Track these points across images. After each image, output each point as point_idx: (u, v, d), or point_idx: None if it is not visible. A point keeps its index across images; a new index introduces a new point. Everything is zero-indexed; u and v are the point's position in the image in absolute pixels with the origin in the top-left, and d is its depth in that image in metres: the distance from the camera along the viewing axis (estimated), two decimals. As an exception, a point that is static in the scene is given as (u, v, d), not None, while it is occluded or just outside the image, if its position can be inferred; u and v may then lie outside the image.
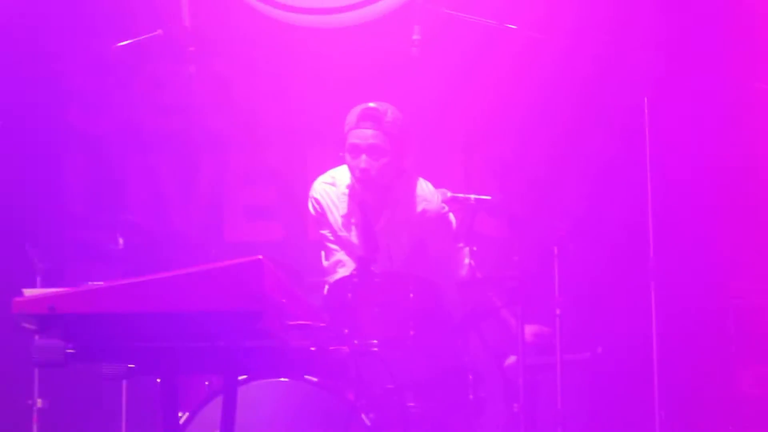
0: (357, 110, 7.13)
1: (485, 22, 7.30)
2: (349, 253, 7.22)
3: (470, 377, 6.55)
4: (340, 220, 7.31)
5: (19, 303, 4.06)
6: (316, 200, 7.36)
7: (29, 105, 8.36)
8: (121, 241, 7.22)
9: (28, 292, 4.14)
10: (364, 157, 7.04)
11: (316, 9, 8.60)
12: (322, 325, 4.56)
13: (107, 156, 8.68)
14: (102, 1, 8.53)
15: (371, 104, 7.15)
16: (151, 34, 7.49)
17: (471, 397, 6.55)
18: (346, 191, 7.27)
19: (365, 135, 7.06)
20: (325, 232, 7.36)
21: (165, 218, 8.57)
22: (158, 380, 6.48)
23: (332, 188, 7.34)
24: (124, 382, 7.21)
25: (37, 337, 6.12)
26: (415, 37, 7.10)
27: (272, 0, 8.59)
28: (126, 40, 7.53)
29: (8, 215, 8.08)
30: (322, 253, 7.42)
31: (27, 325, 4.21)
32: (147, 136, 8.65)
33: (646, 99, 6.80)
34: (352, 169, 7.13)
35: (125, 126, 8.64)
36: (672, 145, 7.81)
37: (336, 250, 7.33)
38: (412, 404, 6.36)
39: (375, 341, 6.26)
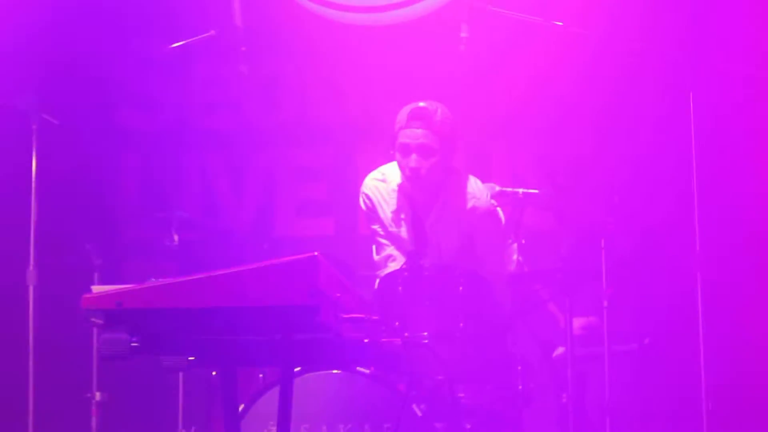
0: (407, 110, 7.15)
1: (530, 18, 7.29)
2: (399, 248, 7.25)
3: (519, 368, 6.61)
4: (390, 216, 7.33)
5: (88, 299, 4.16)
6: (367, 196, 7.40)
7: (85, 106, 8.43)
8: (176, 237, 7.44)
9: (96, 288, 4.22)
10: (414, 156, 7.06)
11: (365, 7, 8.69)
12: (374, 318, 4.70)
13: (161, 155, 8.87)
14: (155, 3, 8.70)
15: (421, 104, 7.16)
16: (203, 35, 7.62)
17: (520, 387, 6.60)
18: (396, 188, 7.31)
19: (415, 134, 7.07)
20: (376, 227, 7.39)
21: (218, 214, 8.74)
22: (213, 373, 6.86)
23: (383, 184, 7.38)
24: (181, 375, 7.38)
25: (96, 330, 6.29)
26: (462, 34, 7.11)
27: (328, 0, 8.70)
28: (179, 41, 7.65)
29: (66, 214, 8.12)
30: (373, 248, 7.45)
31: (94, 320, 4.27)
32: (200, 134, 8.85)
33: (691, 94, 6.88)
34: (402, 168, 7.16)
35: (178, 125, 8.80)
36: (717, 135, 7.82)
37: (386, 245, 7.35)
38: (462, 395, 6.41)
39: (425, 333, 6.33)
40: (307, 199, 8.79)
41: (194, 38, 7.67)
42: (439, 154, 7.11)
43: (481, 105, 8.29)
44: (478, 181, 7.43)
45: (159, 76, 8.58)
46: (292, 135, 8.79)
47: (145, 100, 8.82)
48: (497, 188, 7.09)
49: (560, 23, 7.28)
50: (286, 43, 8.68)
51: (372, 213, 7.42)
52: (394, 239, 7.35)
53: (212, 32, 7.64)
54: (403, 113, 7.16)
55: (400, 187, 7.30)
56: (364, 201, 7.45)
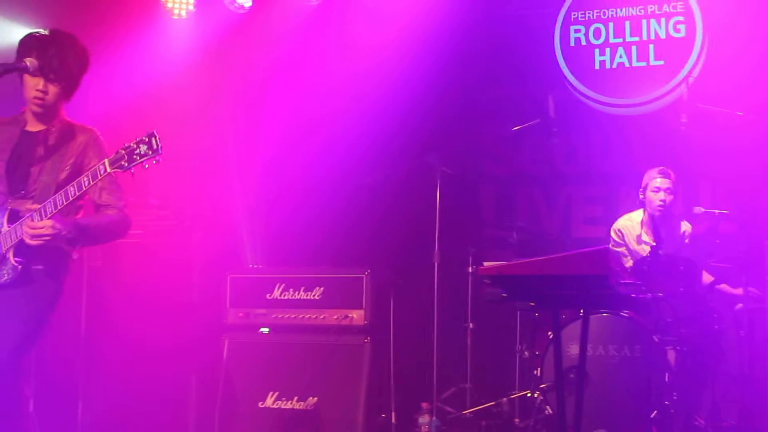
0: (656, 170, 7.29)
1: (729, 112, 7.24)
2: (633, 258, 7.21)
3: (715, 315, 6.83)
4: (634, 241, 7.36)
5: (482, 269, 4.61)
6: (619, 230, 7.43)
7: (464, 162, 8.59)
8: (516, 238, 7.59)
9: (486, 263, 4.64)
10: (662, 193, 7.23)
11: (628, 104, 8.41)
12: (636, 282, 5.01)
13: (507, 189, 8.82)
14: (506, 105, 8.60)
15: (661, 168, 7.30)
16: (533, 122, 7.76)
17: (716, 327, 6.82)
18: (639, 222, 7.34)
19: (664, 182, 7.25)
20: (621, 249, 7.37)
21: (539, 224, 8.57)
22: (536, 314, 6.99)
23: (629, 223, 7.43)
24: (518, 313, 7.41)
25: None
26: (683, 120, 7.18)
27: (602, 101, 8.49)
28: (519, 125, 7.83)
29: (456, 225, 8.07)
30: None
31: (485, 281, 4.67)
32: (528, 177, 8.71)
33: None
34: (653, 200, 7.25)
35: (518, 172, 8.73)
36: None
37: (625, 255, 7.35)
38: (684, 330, 6.56)
39: (661, 294, 6.51)
40: (590, 215, 8.58)
41: (528, 124, 7.76)
42: (675, 193, 7.32)
43: (694, 162, 7.95)
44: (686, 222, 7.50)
45: (509, 144, 8.56)
46: (582, 178, 8.60)
47: (499, 156, 8.76)
48: (702, 209, 7.26)
49: (740, 113, 7.23)
50: (579, 126, 8.49)
51: (620, 241, 7.41)
52: (633, 254, 7.32)
53: (537, 120, 7.75)
54: (654, 171, 7.32)
55: (643, 221, 7.35)
56: (615, 233, 7.43)
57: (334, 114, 8.62)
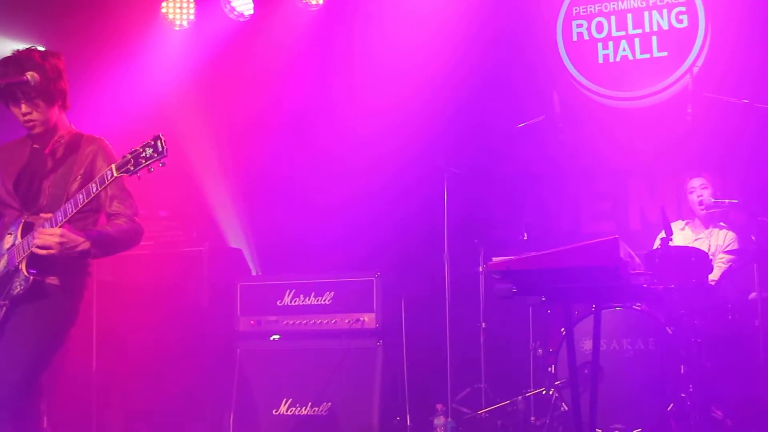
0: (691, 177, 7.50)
1: (734, 101, 7.19)
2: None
3: (729, 306, 6.70)
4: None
5: (491, 264, 4.52)
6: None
7: (470, 161, 8.33)
8: (525, 235, 7.46)
9: (495, 259, 4.54)
10: (698, 191, 7.41)
11: (633, 97, 8.39)
12: (647, 273, 4.97)
13: (515, 188, 8.63)
14: (510, 102, 8.42)
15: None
16: (538, 118, 7.76)
17: (729, 317, 6.66)
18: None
19: (696, 180, 7.44)
20: None
21: (548, 221, 8.39)
22: (548, 311, 6.91)
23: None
24: (530, 309, 7.30)
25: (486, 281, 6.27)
26: (688, 110, 7.26)
27: (607, 95, 8.45)
28: (524, 122, 7.81)
29: (462, 223, 7.94)
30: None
31: (494, 275, 4.50)
32: (536, 174, 8.59)
33: None
34: (694, 201, 7.42)
35: (525, 169, 8.59)
36: None
37: None
38: (696, 321, 6.51)
39: (672, 285, 6.47)
40: (599, 210, 8.51)
41: (533, 120, 7.75)
42: (708, 187, 7.41)
43: (701, 152, 7.85)
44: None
45: (515, 142, 8.23)
46: (590, 173, 8.51)
47: (505, 156, 8.56)
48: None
49: (746, 101, 7.17)
50: (585, 121, 8.38)
51: None
52: None
53: (542, 116, 7.75)
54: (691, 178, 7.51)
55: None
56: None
57: (338, 119, 8.68)
